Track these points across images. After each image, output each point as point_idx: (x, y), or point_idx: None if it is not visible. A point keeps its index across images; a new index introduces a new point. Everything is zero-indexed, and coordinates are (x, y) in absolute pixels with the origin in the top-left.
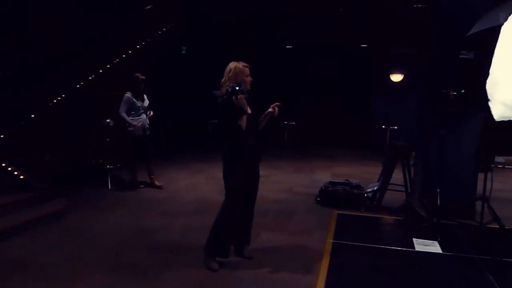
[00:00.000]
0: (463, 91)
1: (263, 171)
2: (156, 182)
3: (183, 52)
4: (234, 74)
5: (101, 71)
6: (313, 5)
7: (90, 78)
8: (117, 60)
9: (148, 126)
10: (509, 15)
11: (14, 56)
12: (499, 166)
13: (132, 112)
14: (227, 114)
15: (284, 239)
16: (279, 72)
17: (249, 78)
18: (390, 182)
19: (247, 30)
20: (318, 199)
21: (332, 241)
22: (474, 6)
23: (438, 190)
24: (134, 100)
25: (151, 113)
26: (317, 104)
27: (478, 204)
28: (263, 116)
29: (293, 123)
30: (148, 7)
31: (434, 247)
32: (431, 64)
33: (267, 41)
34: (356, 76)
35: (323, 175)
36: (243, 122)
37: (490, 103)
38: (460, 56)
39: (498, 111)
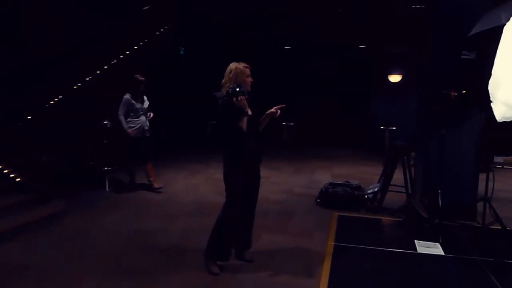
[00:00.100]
0: (464, 91)
1: (262, 172)
2: (155, 185)
3: (181, 52)
4: (234, 75)
5: (98, 72)
6: (313, 5)
7: (88, 79)
8: (116, 60)
9: (147, 128)
10: (511, 15)
11: (13, 56)
12: (497, 166)
13: (131, 114)
14: (228, 115)
15: (285, 241)
16: (278, 72)
17: (249, 79)
18: (391, 183)
19: (246, 30)
20: (318, 200)
21: (333, 243)
22: (474, 6)
23: (440, 191)
24: (133, 101)
25: (151, 115)
26: (316, 105)
27: (479, 204)
28: (263, 117)
29: (292, 123)
30: (146, 7)
31: (436, 249)
32: (431, 64)
33: (267, 41)
34: (355, 77)
35: (322, 175)
36: (244, 123)
37: (492, 104)
38: (462, 56)
39: (500, 111)
